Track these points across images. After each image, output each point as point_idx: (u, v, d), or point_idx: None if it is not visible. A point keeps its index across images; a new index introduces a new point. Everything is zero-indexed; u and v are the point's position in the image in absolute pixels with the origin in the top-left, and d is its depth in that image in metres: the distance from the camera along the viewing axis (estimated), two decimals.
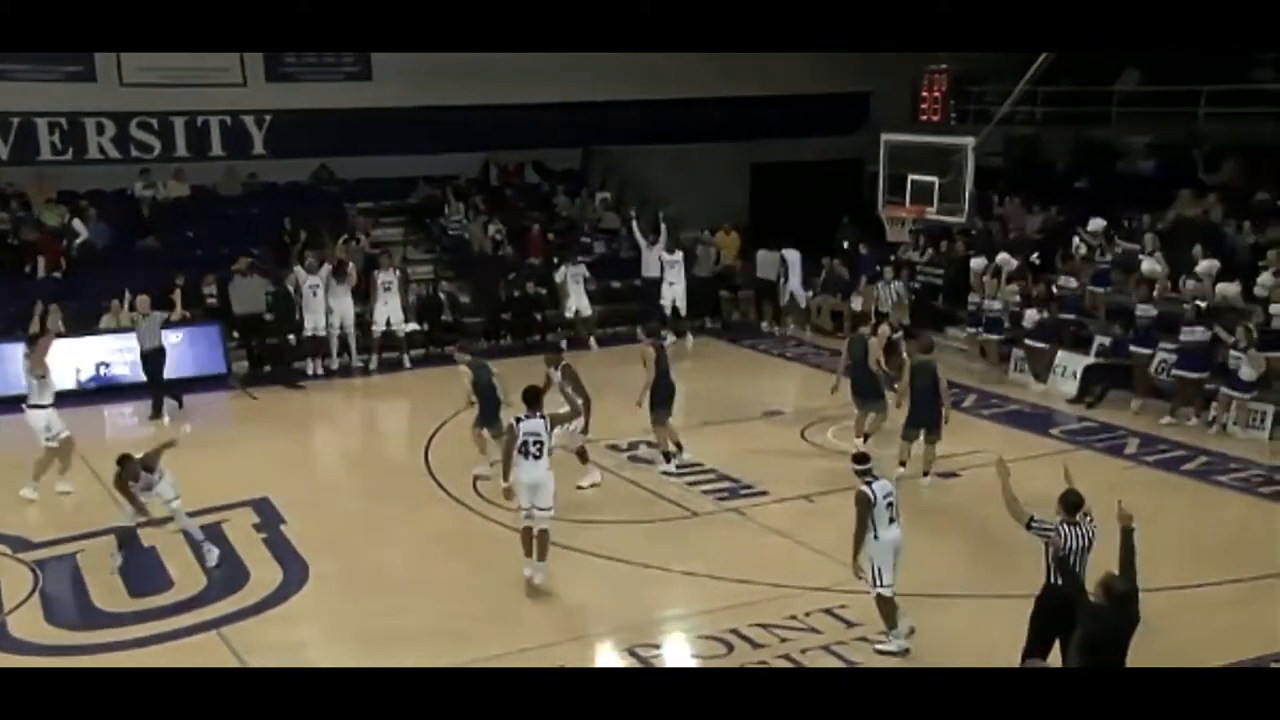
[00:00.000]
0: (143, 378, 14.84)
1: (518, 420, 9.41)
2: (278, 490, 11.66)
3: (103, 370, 15.54)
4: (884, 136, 15.16)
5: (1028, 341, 15.55)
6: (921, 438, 11.76)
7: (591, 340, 18.03)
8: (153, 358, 14.59)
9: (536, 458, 9.30)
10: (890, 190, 14.89)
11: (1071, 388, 14.94)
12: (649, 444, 12.54)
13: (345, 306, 16.58)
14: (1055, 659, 7.18)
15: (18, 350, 15.25)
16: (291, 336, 16.26)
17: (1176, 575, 8.92)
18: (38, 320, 12.73)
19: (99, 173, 18.47)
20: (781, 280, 19.01)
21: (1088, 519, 7.32)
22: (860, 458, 8.47)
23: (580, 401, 11.59)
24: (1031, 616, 7.38)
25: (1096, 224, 16.53)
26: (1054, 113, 20.93)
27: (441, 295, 18.09)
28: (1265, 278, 14.39)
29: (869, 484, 8.26)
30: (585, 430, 11.68)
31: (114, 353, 15.49)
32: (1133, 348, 14.38)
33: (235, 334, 16.53)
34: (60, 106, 18.06)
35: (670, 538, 10.70)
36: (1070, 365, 15.16)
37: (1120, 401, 14.43)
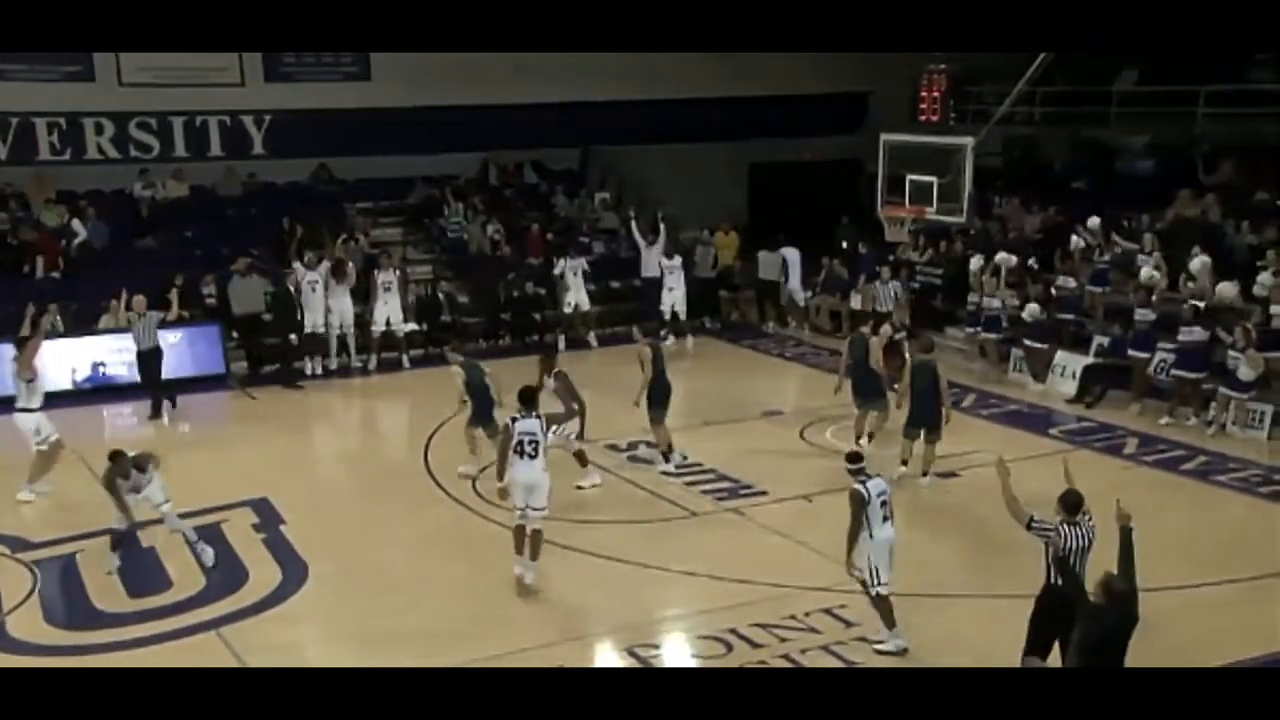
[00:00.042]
0: (138, 378, 14.80)
1: (513, 420, 9.41)
2: (277, 490, 11.65)
3: (101, 370, 15.52)
4: (883, 137, 15.17)
5: (1026, 342, 15.56)
6: (921, 437, 11.76)
7: (590, 335, 18.04)
8: (149, 358, 14.57)
9: (532, 457, 9.30)
10: (889, 190, 14.90)
11: (1070, 388, 14.94)
12: (648, 444, 12.53)
13: (345, 306, 16.58)
14: (1055, 659, 7.18)
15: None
16: (294, 336, 16.22)
17: (1175, 575, 8.92)
18: (28, 322, 12.69)
19: (98, 173, 18.45)
20: (782, 281, 19.03)
21: (1087, 519, 7.32)
22: (853, 456, 8.47)
23: (574, 405, 11.61)
24: (1032, 617, 7.38)
25: (1094, 222, 16.54)
26: (1052, 113, 20.95)
27: (440, 295, 18.10)
28: (1264, 277, 14.39)
29: (862, 483, 8.27)
30: (580, 435, 11.67)
31: (111, 353, 15.47)
32: (1131, 351, 14.38)
33: (234, 334, 16.52)
34: (59, 106, 18.04)
35: (669, 538, 10.71)
36: (1069, 365, 15.16)
37: (1119, 401, 14.44)
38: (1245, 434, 13.20)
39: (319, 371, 16.43)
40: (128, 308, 14.71)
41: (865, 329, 13.28)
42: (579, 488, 11.58)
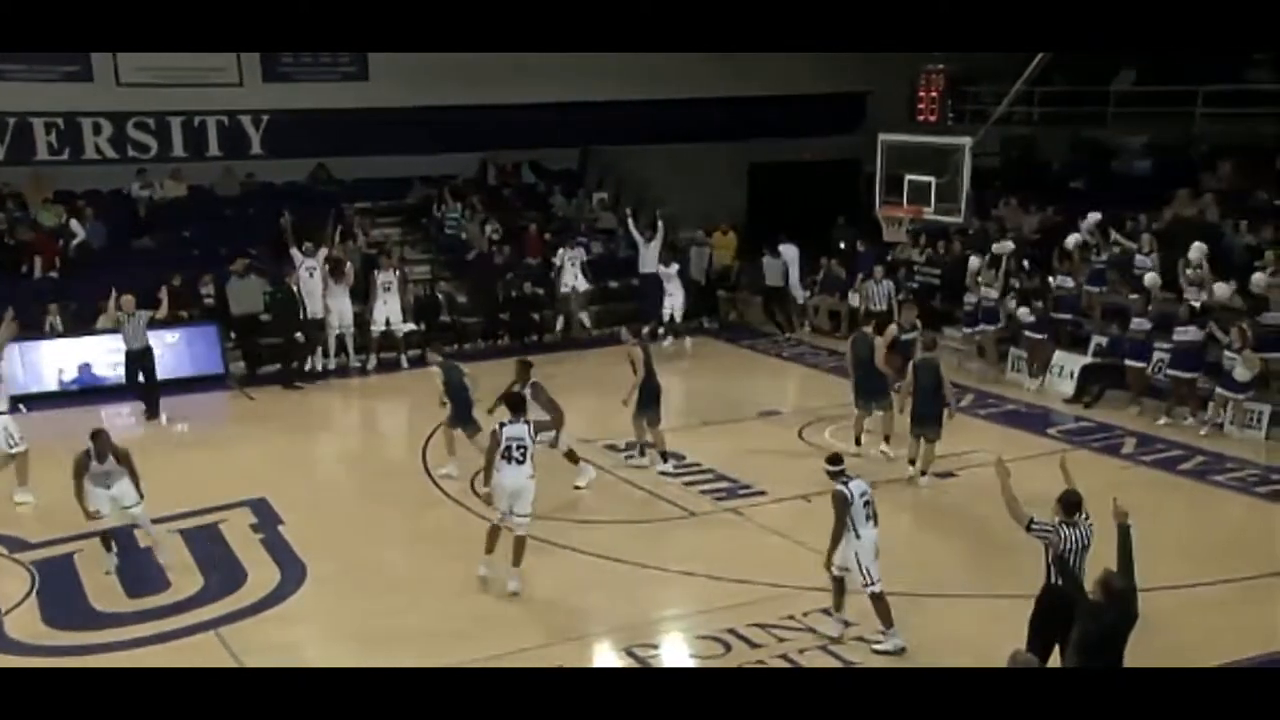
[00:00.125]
0: (136, 380, 14.71)
1: (501, 425, 9.43)
2: (275, 491, 11.65)
3: (90, 371, 15.46)
4: (881, 137, 15.17)
5: (1026, 333, 15.55)
6: (924, 439, 11.78)
7: (584, 316, 18.08)
8: (141, 358, 14.51)
9: (520, 463, 9.30)
10: (888, 190, 14.90)
11: (1069, 388, 14.95)
12: (647, 444, 12.53)
13: (344, 306, 16.57)
14: (1055, 660, 7.18)
15: (12, 351, 15.37)
16: (299, 335, 16.20)
17: (1173, 575, 8.93)
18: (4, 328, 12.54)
19: (96, 173, 18.44)
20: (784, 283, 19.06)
21: (1085, 519, 7.33)
22: (833, 459, 8.56)
23: (556, 413, 11.58)
24: (1032, 617, 7.38)
25: (1093, 219, 16.53)
26: (1050, 113, 20.96)
27: (439, 295, 18.09)
28: (1259, 277, 14.38)
29: (844, 484, 8.33)
30: (555, 444, 11.60)
31: (99, 354, 15.42)
32: (1128, 361, 14.35)
33: (232, 335, 16.50)
34: (57, 106, 18.03)
35: (668, 538, 10.71)
36: (1067, 365, 15.17)
37: (1117, 401, 14.45)
38: (1243, 434, 13.20)
39: (330, 368, 16.38)
40: (117, 307, 14.64)
41: (868, 329, 13.24)
42: (578, 488, 11.57)
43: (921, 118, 16.59)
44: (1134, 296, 14.83)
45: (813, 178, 21.41)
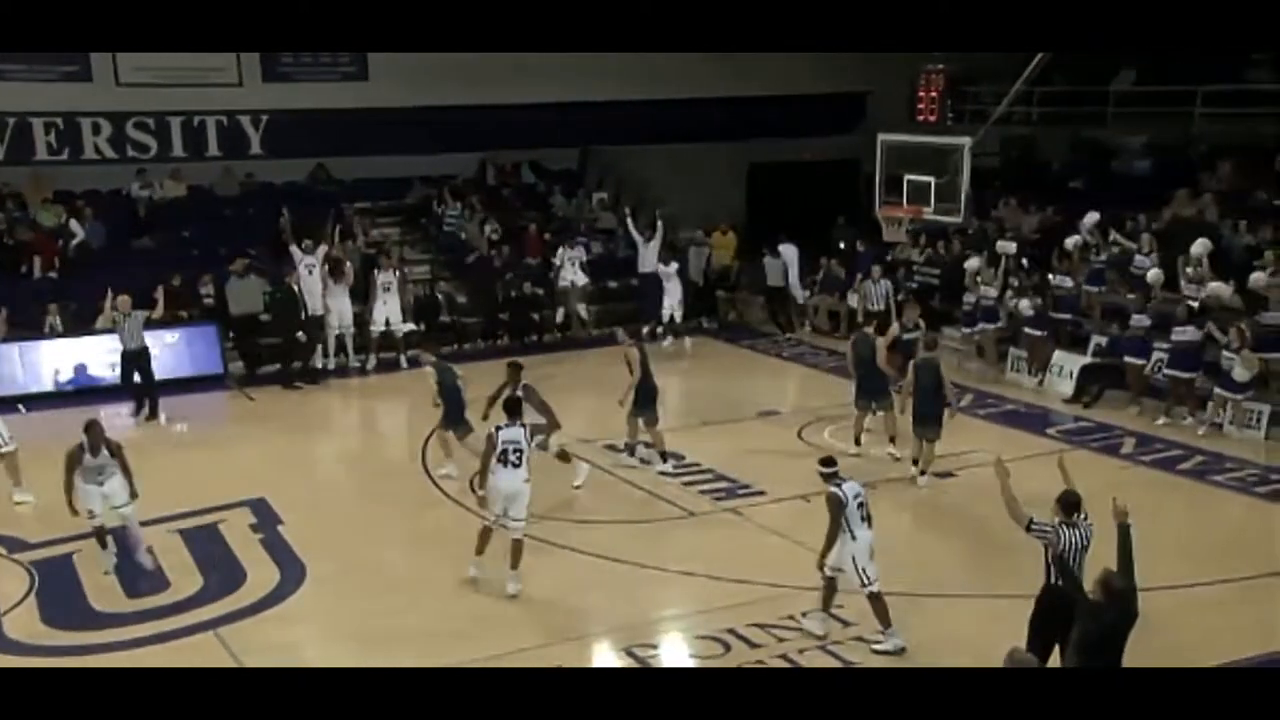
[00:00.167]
0: (130, 380, 14.65)
1: (498, 428, 9.43)
2: (275, 491, 11.65)
3: (86, 372, 15.42)
4: (881, 137, 15.17)
5: (1026, 329, 15.55)
6: (924, 438, 11.78)
7: (582, 309, 18.12)
8: (137, 358, 14.46)
9: (516, 466, 9.30)
10: (887, 190, 14.90)
11: (1068, 388, 14.95)
12: (646, 444, 12.53)
13: (343, 306, 16.57)
14: (1055, 660, 7.19)
15: (11, 351, 15.40)
16: (301, 334, 16.18)
17: (1172, 575, 8.93)
18: None
19: (95, 173, 18.43)
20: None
21: (1085, 519, 7.33)
22: (827, 461, 8.59)
23: (550, 415, 11.57)
24: (1032, 617, 7.38)
25: (1091, 218, 16.52)
26: (1050, 113, 20.96)
27: (439, 295, 18.09)
28: (1258, 276, 14.37)
29: (838, 486, 8.35)
30: (545, 447, 11.56)
31: (94, 354, 15.38)
32: (1127, 358, 14.36)
33: (231, 335, 16.49)
34: (56, 106, 18.02)
35: (667, 538, 10.71)
36: (1067, 365, 15.17)
37: (1117, 401, 14.45)
38: (1242, 434, 13.20)
39: (329, 368, 16.38)
40: (113, 308, 14.57)
41: (869, 329, 13.22)
42: (576, 488, 11.57)
43: (921, 118, 16.59)
44: (1132, 296, 14.85)
45: (812, 178, 21.40)
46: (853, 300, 17.85)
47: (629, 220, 18.84)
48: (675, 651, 8.72)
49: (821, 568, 8.51)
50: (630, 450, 12.38)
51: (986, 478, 7.81)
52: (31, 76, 17.55)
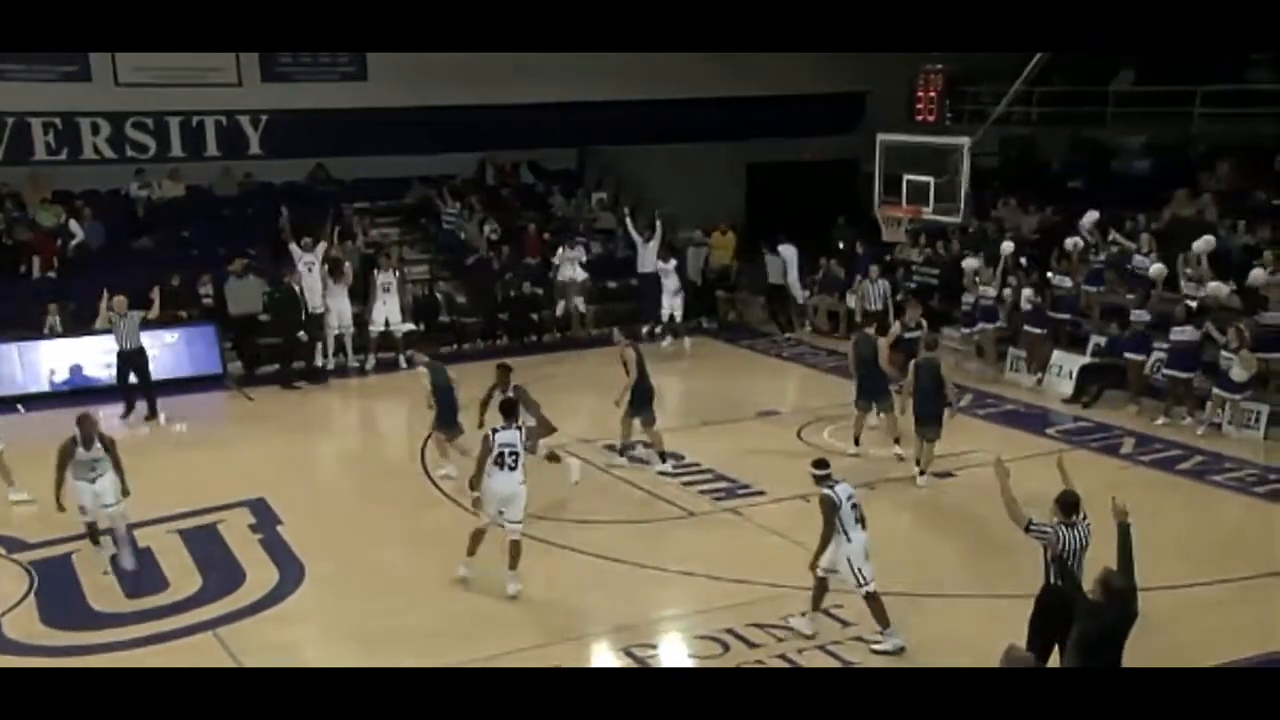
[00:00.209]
0: (125, 380, 14.55)
1: (494, 431, 9.44)
2: (274, 491, 11.64)
3: (81, 372, 15.37)
4: (880, 137, 15.17)
5: (1025, 327, 15.55)
6: (924, 438, 11.79)
7: (580, 302, 18.13)
8: (133, 358, 14.39)
9: (511, 469, 9.31)
10: (886, 190, 14.91)
11: (1068, 388, 14.96)
12: (644, 444, 12.53)
13: (343, 306, 16.57)
14: (1055, 660, 7.19)
15: (12, 351, 15.39)
16: (302, 334, 16.16)
17: (1171, 575, 8.93)
18: None
19: (94, 173, 18.42)
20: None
21: (1083, 520, 7.33)
22: (820, 463, 8.59)
23: (542, 416, 11.57)
24: (1031, 617, 7.38)
25: (1091, 216, 16.52)
26: (1049, 113, 20.95)
27: (438, 295, 18.09)
28: (1258, 273, 14.36)
29: (831, 488, 8.36)
30: (533, 450, 11.54)
31: (99, 354, 15.32)
32: (1127, 354, 14.38)
33: (231, 335, 16.48)
34: (55, 106, 18.00)
35: (667, 538, 10.71)
36: (1066, 365, 15.18)
37: (1116, 401, 14.46)
38: (1241, 434, 13.21)
39: (329, 368, 16.36)
40: (109, 308, 14.49)
41: (870, 329, 13.18)
42: (575, 484, 11.56)
43: (920, 118, 16.60)
44: (1131, 296, 14.86)
45: (811, 178, 21.40)
46: (851, 300, 17.86)
47: (628, 221, 18.85)
48: (674, 651, 8.72)
49: (814, 569, 8.50)
50: (622, 451, 12.36)
51: (986, 478, 7.81)
52: (30, 76, 17.52)
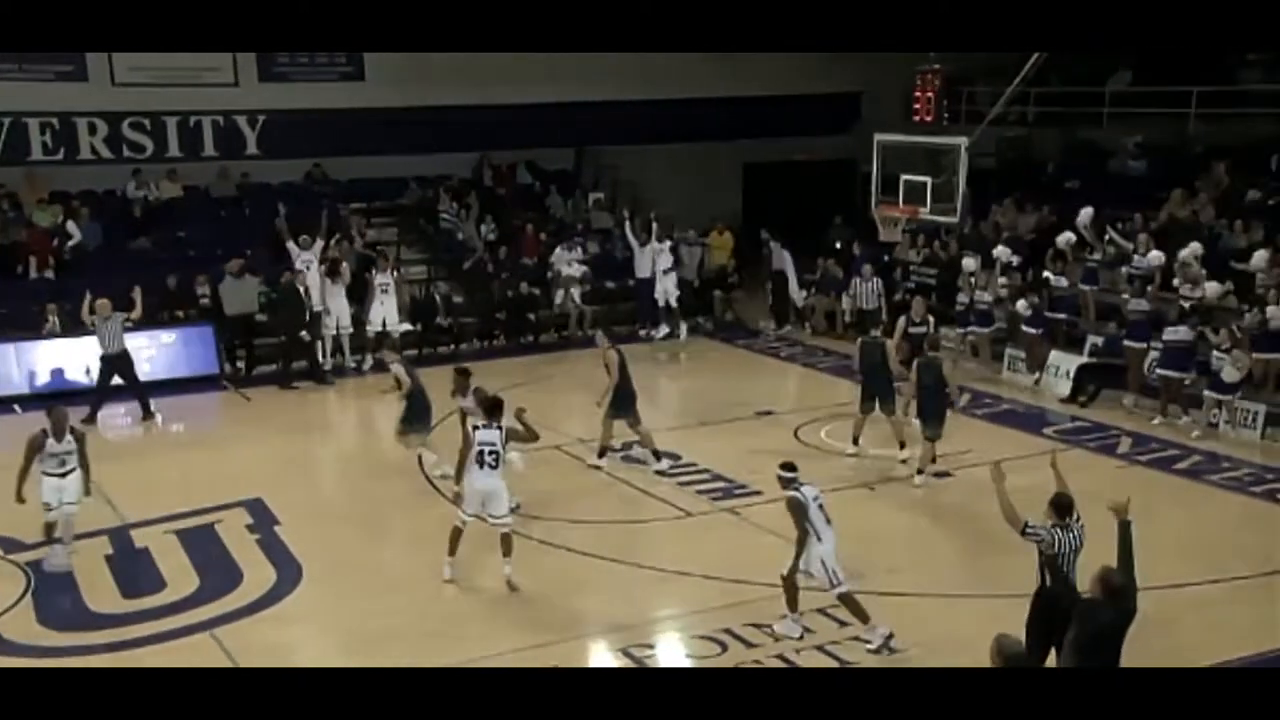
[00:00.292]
0: (106, 383, 14.40)
1: (475, 428, 9.53)
2: (271, 491, 11.63)
3: (63, 375, 15.27)
4: (877, 137, 15.18)
5: (1023, 328, 15.57)
6: (923, 436, 11.79)
7: (576, 294, 18.14)
8: (117, 361, 14.28)
9: (492, 467, 9.38)
10: (883, 190, 14.92)
11: (1065, 388, 14.97)
12: (635, 444, 12.54)
13: (341, 307, 16.55)
14: (1053, 662, 7.19)
15: (9, 351, 15.36)
16: (304, 333, 16.13)
17: (1169, 574, 8.92)
18: None
19: (91, 173, 18.42)
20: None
21: (1077, 521, 7.34)
22: (788, 465, 8.61)
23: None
24: (1028, 620, 7.37)
25: (1087, 213, 16.52)
26: (1046, 113, 21.00)
27: (436, 296, 18.08)
28: (1261, 254, 14.33)
29: (798, 489, 8.39)
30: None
31: (96, 355, 15.20)
32: (1126, 342, 14.42)
33: (226, 335, 16.45)
34: (52, 106, 18.00)
35: (664, 538, 10.71)
36: (1063, 365, 15.20)
37: (1113, 401, 14.47)
38: (1238, 434, 13.22)
39: (326, 368, 16.33)
40: (91, 311, 14.33)
41: (876, 331, 13.10)
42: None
43: (917, 118, 16.61)
44: (1125, 297, 14.87)
45: (808, 178, 21.41)
46: (845, 301, 17.87)
47: (627, 225, 18.82)
48: (672, 651, 8.72)
49: (793, 574, 8.49)
50: (601, 453, 12.35)
51: (985, 477, 7.81)
52: (27, 76, 17.52)
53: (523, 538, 10.18)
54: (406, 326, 17.09)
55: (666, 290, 18.15)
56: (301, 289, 16.02)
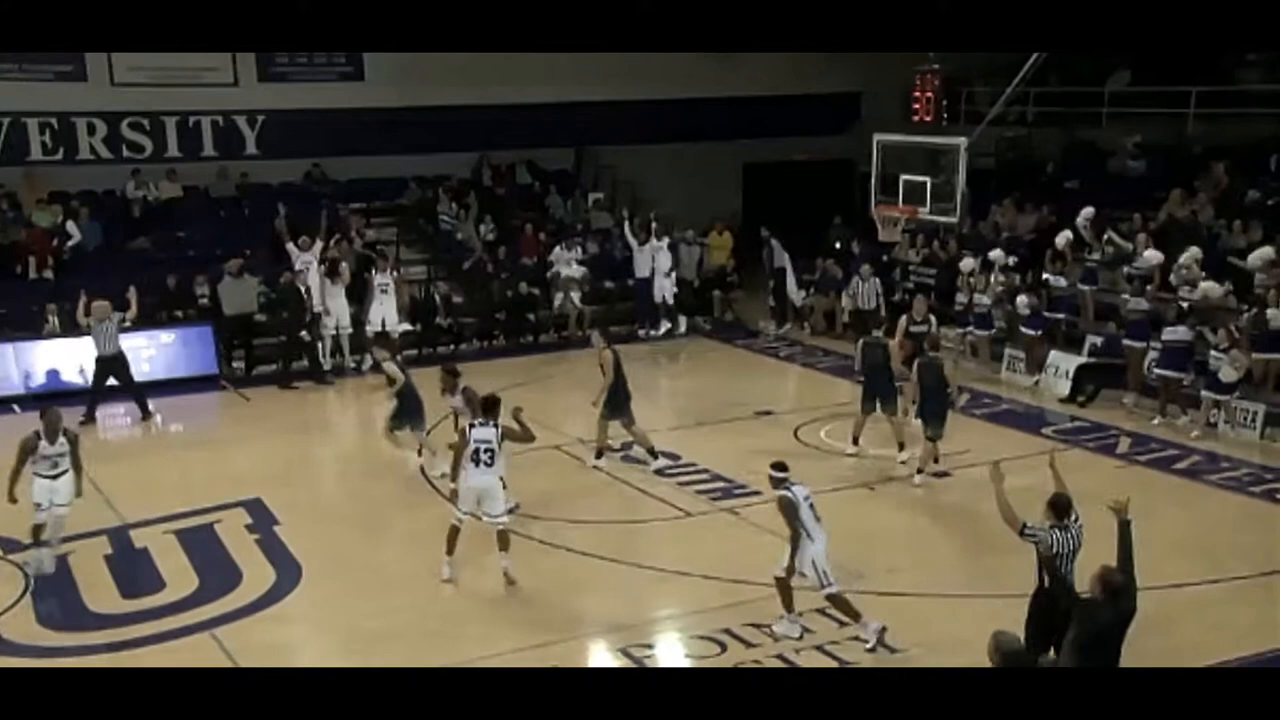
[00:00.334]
0: (101, 385, 14.38)
1: (470, 426, 9.53)
2: (270, 491, 11.63)
3: (58, 377, 15.25)
4: (876, 137, 15.19)
5: (1022, 329, 15.57)
6: (924, 435, 11.79)
7: (575, 297, 18.15)
8: (112, 363, 14.25)
9: (488, 465, 9.40)
10: (883, 190, 14.93)
11: (1064, 388, 14.98)
12: (626, 444, 12.54)
13: (340, 307, 16.55)
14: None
15: (8, 351, 15.35)
16: (305, 333, 16.13)
17: (1168, 574, 8.92)
18: None
19: (90, 173, 18.42)
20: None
21: (1076, 522, 7.34)
22: (779, 465, 8.60)
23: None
24: (1027, 621, 7.38)
25: (1087, 213, 16.52)
26: (1045, 113, 21.01)
27: (436, 296, 18.08)
28: (1266, 249, 14.33)
29: (789, 489, 8.39)
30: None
31: (64, 357, 15.25)
32: (1126, 342, 14.43)
33: (225, 334, 16.45)
34: (51, 106, 18.01)
35: (664, 538, 10.71)
36: (1063, 365, 15.20)
37: (1112, 401, 14.48)
38: (1237, 433, 13.23)
39: (326, 367, 16.33)
40: (86, 314, 14.31)
41: (879, 332, 13.10)
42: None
43: (917, 118, 16.62)
44: (1125, 297, 14.87)
45: (808, 178, 21.41)
46: (844, 301, 17.88)
47: (626, 225, 18.83)
48: (671, 651, 8.72)
49: (790, 575, 8.48)
50: (599, 454, 12.35)
51: (984, 477, 7.81)
52: (26, 76, 17.53)
53: (523, 538, 10.19)
54: (406, 327, 17.09)
55: (663, 288, 18.14)
56: (303, 289, 16.01)
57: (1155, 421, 13.69)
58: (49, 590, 9.65)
